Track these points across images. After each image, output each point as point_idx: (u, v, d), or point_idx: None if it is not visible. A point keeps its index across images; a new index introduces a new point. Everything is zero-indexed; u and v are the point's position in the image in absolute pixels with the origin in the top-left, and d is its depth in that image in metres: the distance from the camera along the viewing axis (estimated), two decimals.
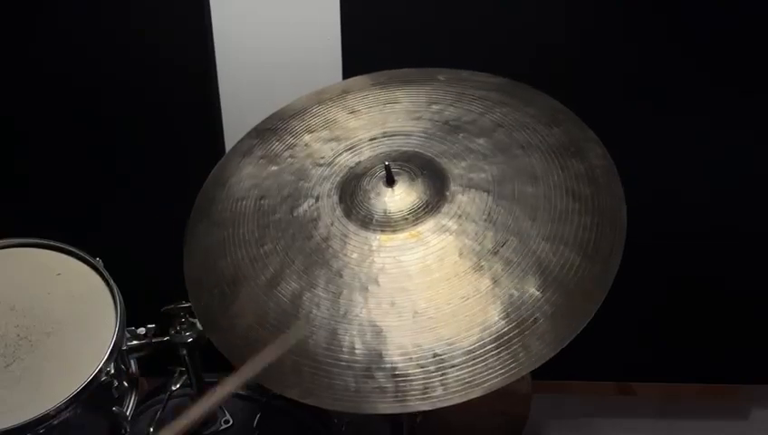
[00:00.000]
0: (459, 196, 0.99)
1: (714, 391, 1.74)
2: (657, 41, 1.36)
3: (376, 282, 0.93)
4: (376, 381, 0.86)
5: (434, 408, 0.84)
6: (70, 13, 1.37)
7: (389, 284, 0.93)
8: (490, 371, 0.85)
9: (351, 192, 1.02)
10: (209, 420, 1.26)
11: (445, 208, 0.98)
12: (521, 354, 0.85)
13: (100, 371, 1.02)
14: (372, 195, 1.01)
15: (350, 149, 1.08)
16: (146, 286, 1.22)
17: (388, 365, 0.87)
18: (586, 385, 1.74)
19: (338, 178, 1.05)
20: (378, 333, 0.89)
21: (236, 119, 1.44)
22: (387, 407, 0.85)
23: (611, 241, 0.93)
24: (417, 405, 0.84)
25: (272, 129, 1.16)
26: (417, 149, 1.05)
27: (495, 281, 0.91)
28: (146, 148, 1.49)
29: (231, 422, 1.26)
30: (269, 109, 1.20)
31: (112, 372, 1.05)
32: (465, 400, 0.84)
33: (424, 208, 0.98)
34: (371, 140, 1.09)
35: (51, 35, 1.39)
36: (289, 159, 1.10)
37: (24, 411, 0.97)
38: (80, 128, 1.48)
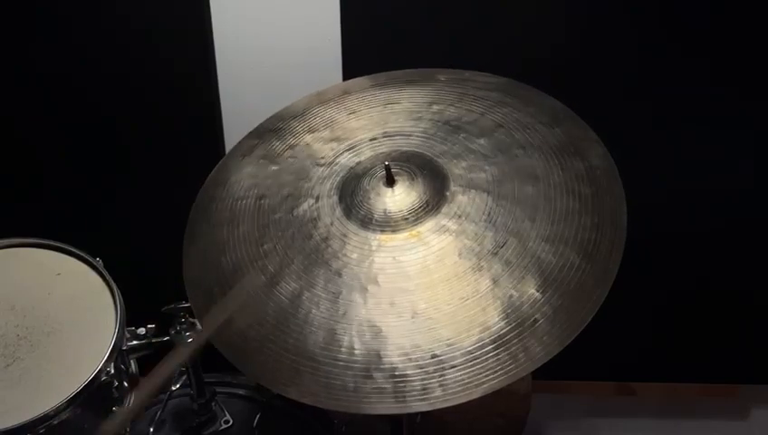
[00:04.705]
0: (459, 196, 0.99)
1: (714, 391, 1.73)
2: (657, 41, 1.35)
3: (375, 282, 0.93)
4: (375, 381, 0.86)
5: (432, 409, 0.84)
6: (70, 13, 1.37)
7: (389, 284, 0.93)
8: (489, 372, 0.84)
9: (351, 192, 1.02)
10: (209, 419, 1.26)
11: (445, 209, 0.98)
12: (520, 356, 0.85)
13: (100, 371, 1.02)
14: (372, 195, 1.01)
15: (350, 149, 1.08)
16: (146, 286, 1.22)
17: (387, 366, 0.87)
18: (586, 385, 1.74)
19: (338, 178, 1.05)
20: (377, 333, 0.89)
21: (236, 119, 1.44)
22: (385, 408, 0.85)
23: (612, 241, 0.93)
24: (416, 406, 0.84)
25: (273, 129, 1.16)
26: (417, 150, 1.05)
27: (495, 282, 0.90)
28: (146, 148, 1.49)
29: (231, 422, 1.25)
30: (269, 109, 1.19)
31: (112, 372, 1.04)
32: (463, 401, 0.83)
33: (424, 209, 0.98)
34: (372, 140, 1.09)
35: (51, 35, 1.39)
36: (289, 159, 1.10)
37: (23, 411, 0.97)
38: (80, 128, 1.48)
